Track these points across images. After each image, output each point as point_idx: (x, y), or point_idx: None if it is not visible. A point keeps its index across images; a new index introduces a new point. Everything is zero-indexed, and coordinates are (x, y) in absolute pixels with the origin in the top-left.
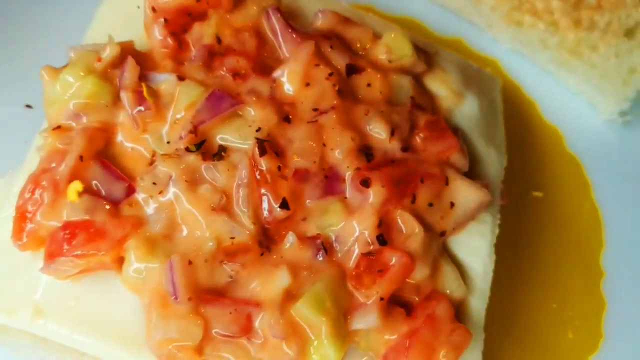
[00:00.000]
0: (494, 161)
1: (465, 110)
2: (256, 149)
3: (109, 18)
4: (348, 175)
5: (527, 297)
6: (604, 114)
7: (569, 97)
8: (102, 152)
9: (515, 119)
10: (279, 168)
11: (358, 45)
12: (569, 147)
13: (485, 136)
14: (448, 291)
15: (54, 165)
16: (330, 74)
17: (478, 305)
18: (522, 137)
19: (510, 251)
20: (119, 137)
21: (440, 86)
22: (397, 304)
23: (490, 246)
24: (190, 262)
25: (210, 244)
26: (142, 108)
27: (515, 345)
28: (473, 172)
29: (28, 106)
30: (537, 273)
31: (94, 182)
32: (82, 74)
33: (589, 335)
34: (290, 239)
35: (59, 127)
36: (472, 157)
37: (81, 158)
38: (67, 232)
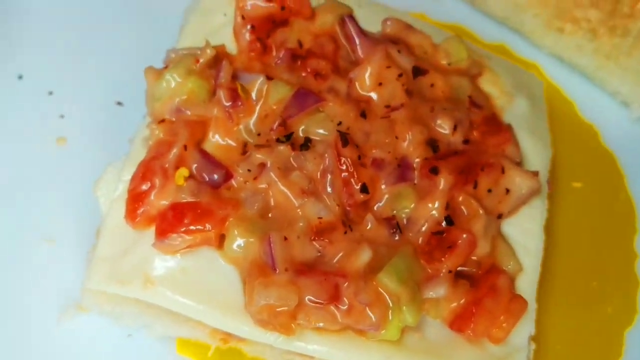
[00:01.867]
0: (541, 153)
1: (515, 108)
2: (339, 140)
3: (197, 25)
4: (417, 163)
5: (571, 276)
6: (637, 112)
7: (604, 97)
8: (200, 144)
9: (556, 117)
10: (359, 157)
11: (420, 50)
12: (605, 143)
13: (533, 132)
14: (505, 267)
15: (161, 153)
16: (400, 75)
17: (531, 279)
18: (563, 134)
19: (555, 235)
20: (213, 131)
21: (493, 87)
22: (461, 277)
23: (541, 228)
24: (285, 238)
25: (301, 223)
26: (236, 103)
27: (559, 321)
28: (524, 163)
29: (119, 103)
30: (579, 255)
31: (197, 168)
32: (184, 74)
33: (625, 310)
34: (369, 219)
35: (163, 120)
36: (522, 149)
37: (185, 147)
38: (177, 211)
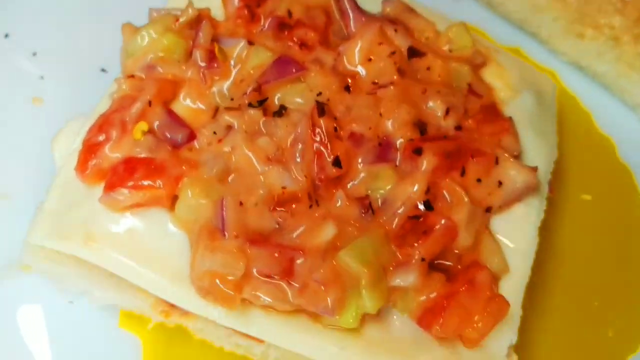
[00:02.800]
0: (543, 152)
1: (519, 103)
2: (315, 109)
3: None
4: (400, 143)
5: (569, 293)
6: None
7: (624, 109)
8: (168, 103)
9: (571, 127)
10: (335, 129)
11: (421, 35)
12: (621, 157)
13: (537, 130)
14: (489, 264)
15: (123, 107)
16: (392, 53)
17: (518, 282)
18: (576, 144)
19: (555, 248)
20: (185, 93)
21: (497, 79)
22: (438, 271)
23: (535, 228)
24: (241, 203)
25: (262, 191)
26: (212, 64)
27: (553, 339)
28: (523, 159)
29: (103, 70)
30: (582, 271)
31: (159, 126)
32: (160, 30)
33: (629, 336)
34: (340, 196)
35: (132, 76)
36: (522, 145)
37: (150, 103)
38: (129, 165)
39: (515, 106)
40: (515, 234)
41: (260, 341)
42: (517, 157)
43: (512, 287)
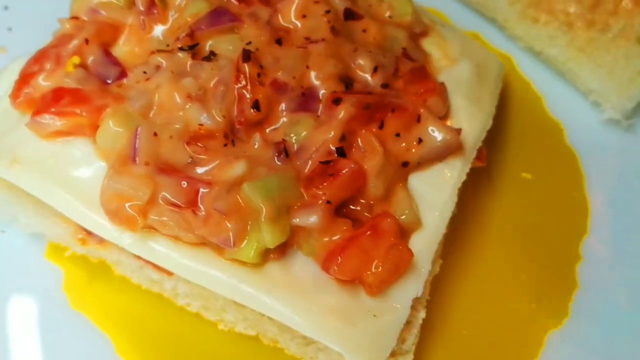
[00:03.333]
0: (474, 120)
1: (455, 72)
2: (241, 55)
3: None
4: (323, 94)
5: (498, 264)
6: (608, 113)
7: (576, 96)
8: (109, 45)
9: (522, 110)
10: (259, 75)
11: (364, 3)
12: (569, 141)
13: (472, 99)
14: (398, 216)
15: (61, 43)
16: (327, 12)
17: (430, 238)
18: (525, 127)
19: (490, 221)
20: (124, 38)
21: (436, 49)
22: (348, 218)
23: (454, 188)
24: (155, 134)
25: (178, 125)
26: (151, 11)
27: (477, 308)
28: (452, 122)
29: None
30: (513, 245)
31: (93, 62)
32: None
33: (554, 311)
34: (256, 138)
35: (76, 18)
36: (453, 110)
37: (87, 41)
38: (56, 93)
39: (450, 74)
40: (433, 191)
41: (170, 274)
42: (443, 118)
43: (424, 242)
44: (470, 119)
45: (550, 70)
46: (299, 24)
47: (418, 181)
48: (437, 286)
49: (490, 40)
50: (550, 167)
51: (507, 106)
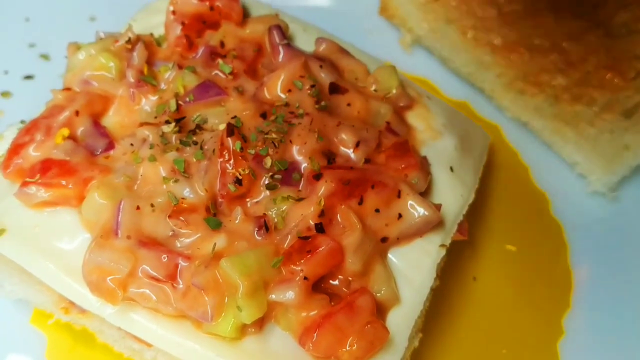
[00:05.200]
0: (456, 194)
1: (439, 145)
2: (226, 129)
3: (142, 22)
4: (305, 168)
5: (480, 337)
6: (593, 185)
7: (563, 167)
8: (99, 116)
9: (508, 180)
10: (242, 149)
11: (350, 75)
12: (554, 213)
13: (455, 173)
14: (376, 292)
15: (52, 114)
16: (312, 86)
17: (408, 314)
18: (511, 197)
19: (473, 293)
20: (115, 109)
21: (419, 120)
22: (326, 294)
23: (433, 264)
24: (138, 208)
25: (160, 199)
26: (141, 84)
27: None
28: (433, 197)
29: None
30: (494, 318)
31: (82, 133)
32: (99, 49)
33: None
34: (238, 212)
35: (69, 89)
36: (434, 184)
37: (77, 113)
38: (44, 165)
39: (434, 147)
40: (412, 267)
41: (150, 345)
42: (424, 192)
43: (401, 318)
44: (451, 194)
45: (538, 141)
46: (284, 97)
47: (397, 256)
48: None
49: (479, 110)
50: (535, 238)
51: (494, 176)
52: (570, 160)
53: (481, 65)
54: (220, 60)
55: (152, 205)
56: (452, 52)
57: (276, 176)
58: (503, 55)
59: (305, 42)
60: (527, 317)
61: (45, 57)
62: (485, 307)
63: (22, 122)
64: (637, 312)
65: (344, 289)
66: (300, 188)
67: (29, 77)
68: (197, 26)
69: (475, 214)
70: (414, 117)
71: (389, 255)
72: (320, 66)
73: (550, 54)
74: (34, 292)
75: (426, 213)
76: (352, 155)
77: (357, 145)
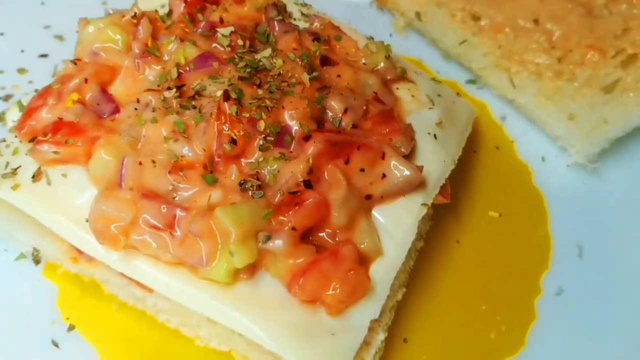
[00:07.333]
0: (438, 159)
1: (424, 114)
2: (223, 95)
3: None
4: (295, 131)
5: (461, 295)
6: (574, 157)
7: (545, 141)
8: (106, 84)
9: (493, 154)
10: (237, 113)
11: (342, 51)
12: (536, 183)
13: (439, 141)
14: (359, 243)
15: (63, 82)
16: (304, 57)
17: (389, 266)
18: (496, 170)
19: (457, 255)
20: (121, 78)
21: (406, 93)
22: (313, 245)
23: (415, 221)
24: (140, 163)
25: (161, 156)
26: (145, 55)
27: (439, 332)
28: (415, 160)
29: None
30: (476, 278)
31: (90, 98)
32: (107, 23)
33: (511, 340)
34: (233, 170)
35: (79, 59)
36: (418, 150)
37: (86, 80)
38: (55, 125)
39: (419, 116)
40: (394, 223)
41: (151, 291)
42: (408, 157)
43: (383, 269)
44: (434, 158)
45: (522, 117)
46: (278, 68)
47: (381, 214)
48: (399, 313)
49: (467, 89)
50: (517, 206)
51: (480, 149)
52: (552, 134)
53: (469, 46)
54: (219, 34)
55: (153, 162)
56: (441, 34)
57: (269, 138)
58: (490, 35)
59: (301, 21)
60: (507, 277)
61: (59, 37)
62: (468, 267)
63: (36, 91)
64: (608, 271)
65: (330, 240)
66: (291, 149)
67: (43, 56)
68: (198, 3)
69: (460, 184)
70: (401, 90)
71: (374, 213)
72: (313, 40)
73: (534, 33)
74: (45, 243)
75: (408, 173)
76: (340, 121)
77: (345, 111)
